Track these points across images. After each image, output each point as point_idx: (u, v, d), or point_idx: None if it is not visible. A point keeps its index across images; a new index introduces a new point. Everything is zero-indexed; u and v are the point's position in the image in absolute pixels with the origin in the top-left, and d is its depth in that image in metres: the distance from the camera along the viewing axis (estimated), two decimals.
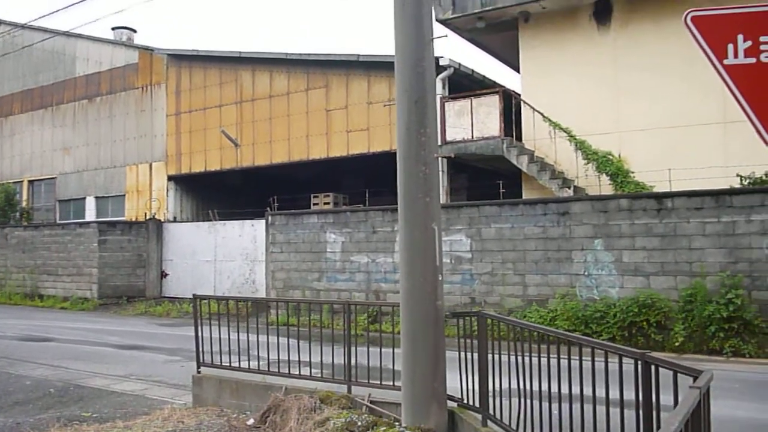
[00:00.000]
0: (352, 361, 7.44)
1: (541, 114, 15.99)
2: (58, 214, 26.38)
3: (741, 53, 3.31)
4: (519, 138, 16.38)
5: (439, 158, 5.99)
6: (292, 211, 17.45)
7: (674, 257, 11.90)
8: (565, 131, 15.62)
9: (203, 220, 21.81)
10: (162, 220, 22.25)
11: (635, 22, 15.61)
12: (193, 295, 9.04)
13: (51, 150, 26.65)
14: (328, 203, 19.64)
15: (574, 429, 4.65)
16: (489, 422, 6.09)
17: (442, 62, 16.12)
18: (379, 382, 7.25)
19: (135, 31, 26.29)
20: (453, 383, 6.34)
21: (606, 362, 4.19)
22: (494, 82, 18.31)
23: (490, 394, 6.09)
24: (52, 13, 25.78)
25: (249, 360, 8.42)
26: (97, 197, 25.09)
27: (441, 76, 16.03)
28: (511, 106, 16.23)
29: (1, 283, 24.08)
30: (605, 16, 15.98)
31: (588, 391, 4.34)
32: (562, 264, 13.06)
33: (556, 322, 12.31)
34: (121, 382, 9.95)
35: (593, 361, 4.31)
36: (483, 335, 6.26)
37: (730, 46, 3.33)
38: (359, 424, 6.21)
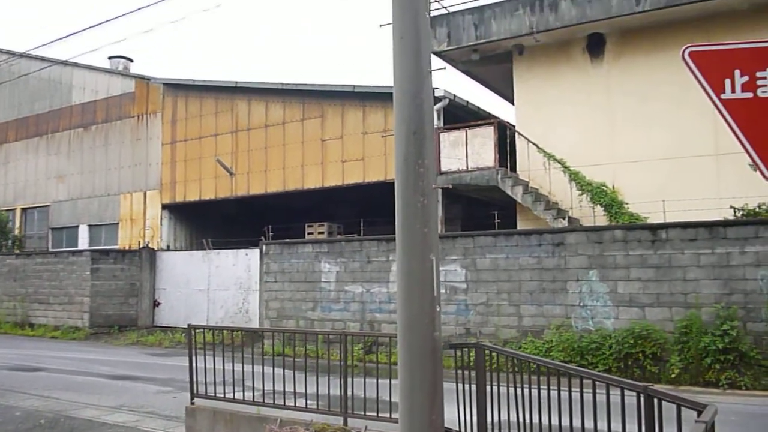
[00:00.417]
0: (348, 393, 7.37)
1: (536, 145, 16.11)
2: (51, 242, 26.25)
3: (738, 88, 3.36)
4: (513, 169, 16.48)
5: (437, 189, 6.01)
6: (287, 240, 17.42)
7: (669, 288, 11.91)
8: (559, 162, 15.73)
9: (197, 249, 21.74)
10: (155, 249, 22.16)
11: (628, 56, 15.83)
12: (188, 324, 8.98)
13: (45, 178, 26.61)
14: (322, 233, 19.62)
15: None
16: None
17: (437, 93, 16.26)
18: (375, 414, 7.17)
19: (132, 60, 26.47)
20: (450, 415, 6.28)
21: (607, 395, 4.16)
22: (489, 114, 18.48)
23: (489, 426, 6.03)
24: (51, 42, 25.97)
25: (243, 391, 8.33)
26: (90, 225, 25.00)
27: (436, 107, 16.16)
28: (505, 137, 16.36)
29: None
30: (598, 49, 16.20)
31: (589, 424, 4.30)
32: (557, 295, 13.04)
33: (551, 353, 12.25)
34: (113, 413, 9.81)
35: (594, 393, 4.28)
36: (481, 366, 6.22)
37: (728, 81, 3.38)
38: None
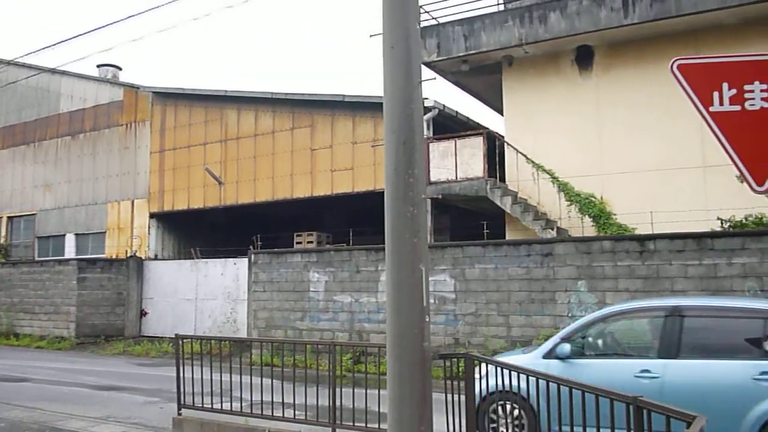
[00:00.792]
0: (337, 403, 7.33)
1: (525, 156, 16.17)
2: (37, 251, 26.02)
3: (726, 101, 3.40)
4: (502, 179, 16.54)
5: (426, 199, 6.02)
6: (276, 249, 17.36)
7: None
8: (548, 173, 15.80)
9: (185, 258, 21.62)
10: (143, 258, 22.03)
11: (617, 68, 15.95)
12: (176, 335, 8.91)
13: (32, 186, 26.42)
14: (311, 242, 19.59)
15: None
16: None
17: (426, 103, 16.30)
18: (364, 425, 7.15)
19: (120, 69, 26.38)
20: (439, 426, 6.26)
21: (597, 405, 4.16)
22: (478, 124, 18.55)
23: None
24: (39, 50, 25.81)
25: (231, 401, 8.28)
26: (77, 234, 24.83)
27: (426, 117, 16.20)
28: (494, 148, 16.42)
29: None
30: (587, 61, 16.32)
31: None
32: (546, 305, 13.06)
33: None
34: (99, 424, 9.71)
35: (584, 404, 4.29)
36: (470, 377, 6.21)
37: (716, 94, 3.42)
38: None
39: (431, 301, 13.90)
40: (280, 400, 7.64)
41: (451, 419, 6.33)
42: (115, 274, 21.29)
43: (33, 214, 26.25)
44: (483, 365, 6.86)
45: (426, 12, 16.82)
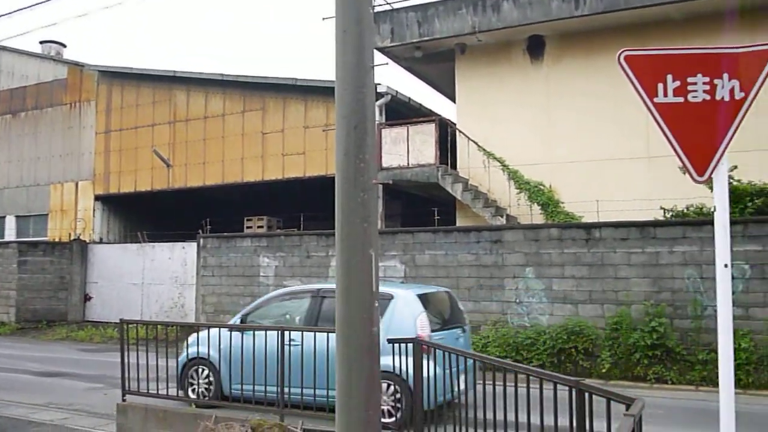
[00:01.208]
0: (285, 389, 7.31)
1: (476, 143, 16.31)
2: None
3: (670, 92, 3.47)
4: (454, 166, 16.65)
5: (377, 184, 6.02)
6: (225, 234, 17.15)
7: (601, 286, 12.26)
8: (498, 161, 15.98)
9: (132, 242, 21.17)
10: (87, 241, 21.48)
11: (567, 58, 16.18)
12: (120, 319, 8.73)
13: None
14: (261, 227, 19.40)
15: None
16: None
17: (379, 89, 16.26)
18: (312, 410, 7.14)
19: (65, 46, 25.52)
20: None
21: (540, 389, 4.25)
22: (431, 111, 18.60)
23: (425, 421, 6.08)
24: None
25: (177, 387, 8.16)
26: (18, 216, 24.04)
27: (378, 102, 16.16)
28: (446, 135, 16.50)
29: None
30: (538, 51, 16.51)
31: (523, 417, 4.38)
32: (495, 291, 13.25)
33: (488, 349, 12.44)
34: (40, 411, 9.45)
35: (528, 387, 4.36)
36: (418, 362, 6.26)
37: (660, 86, 3.48)
38: None
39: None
40: (228, 386, 7.56)
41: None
42: (58, 257, 20.72)
43: None
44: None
45: None
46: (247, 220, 19.74)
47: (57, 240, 21.99)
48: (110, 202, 22.50)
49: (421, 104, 18.49)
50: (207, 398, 8.63)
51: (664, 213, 12.79)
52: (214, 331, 8.57)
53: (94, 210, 22.23)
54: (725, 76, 3.40)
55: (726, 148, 3.41)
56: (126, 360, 8.12)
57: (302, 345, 7.42)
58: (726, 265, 3.29)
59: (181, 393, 8.87)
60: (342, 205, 5.74)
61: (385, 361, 6.28)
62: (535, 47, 16.54)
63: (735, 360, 6.08)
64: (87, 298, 20.89)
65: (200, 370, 8.95)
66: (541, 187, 15.51)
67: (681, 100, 3.45)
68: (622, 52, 3.51)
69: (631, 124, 14.35)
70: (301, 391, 7.18)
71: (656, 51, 3.53)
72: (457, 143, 16.87)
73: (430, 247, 14.00)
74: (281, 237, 16.18)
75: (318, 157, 17.97)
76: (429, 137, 15.97)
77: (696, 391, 10.73)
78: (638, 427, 3.05)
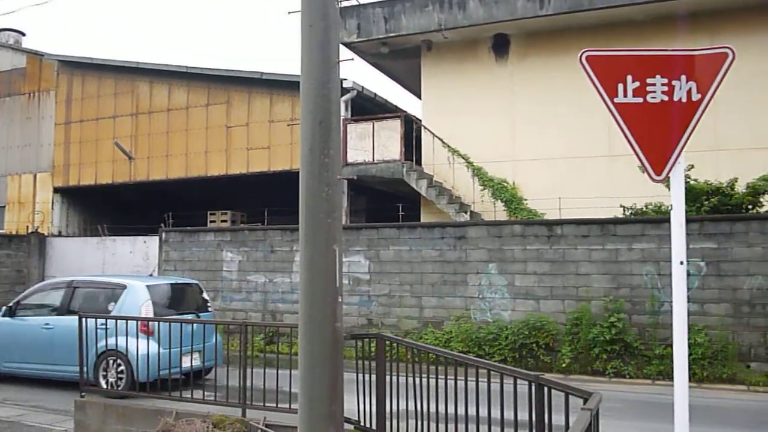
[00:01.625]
0: (248, 384, 7.27)
1: (441, 140, 16.40)
2: None
3: (630, 93, 3.55)
4: (419, 162, 16.72)
5: (342, 180, 6.02)
6: (188, 228, 16.96)
7: (563, 282, 12.45)
8: (463, 157, 16.09)
9: (92, 236, 20.79)
10: (46, 234, 21.03)
11: (531, 57, 16.35)
12: (78, 315, 8.59)
13: None
14: (225, 221, 19.21)
15: None
16: None
17: (345, 84, 16.22)
18: (275, 405, 7.13)
19: (24, 34, 24.85)
20: (350, 405, 6.32)
21: (501, 384, 4.31)
22: (396, 107, 18.62)
23: (387, 416, 6.11)
24: None
25: (137, 383, 8.05)
26: None
27: (344, 98, 16.11)
28: (412, 131, 16.55)
29: None
30: (503, 49, 16.66)
31: (484, 412, 4.43)
32: (458, 287, 13.36)
33: (451, 344, 12.55)
34: None
35: (489, 382, 4.42)
36: (381, 357, 6.29)
37: (620, 86, 3.56)
38: None
39: (345, 282, 13.99)
40: (189, 381, 7.50)
41: (362, 398, 6.40)
42: (15, 250, 20.22)
43: None
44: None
45: None
46: (211, 214, 19.53)
47: (14, 233, 21.47)
48: (70, 195, 22.05)
49: (386, 100, 18.50)
50: None
51: (624, 211, 13.04)
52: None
53: (52, 202, 21.76)
54: (683, 77, 3.49)
55: (683, 147, 3.50)
56: (84, 355, 7.99)
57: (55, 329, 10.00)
58: (682, 262, 3.38)
59: None
60: (306, 200, 5.74)
61: (114, 341, 9.03)
62: (501, 46, 16.68)
63: (690, 354, 6.23)
64: None
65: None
66: (505, 184, 15.67)
67: (640, 100, 3.53)
68: (584, 52, 3.57)
69: (594, 123, 14.58)
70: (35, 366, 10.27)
71: (617, 52, 3.60)
72: (422, 139, 16.94)
73: (395, 243, 14.05)
74: (245, 231, 16.06)
75: (283, 152, 17.86)
76: (394, 133, 16.01)
77: (653, 384, 10.98)
78: (595, 421, 3.11)
